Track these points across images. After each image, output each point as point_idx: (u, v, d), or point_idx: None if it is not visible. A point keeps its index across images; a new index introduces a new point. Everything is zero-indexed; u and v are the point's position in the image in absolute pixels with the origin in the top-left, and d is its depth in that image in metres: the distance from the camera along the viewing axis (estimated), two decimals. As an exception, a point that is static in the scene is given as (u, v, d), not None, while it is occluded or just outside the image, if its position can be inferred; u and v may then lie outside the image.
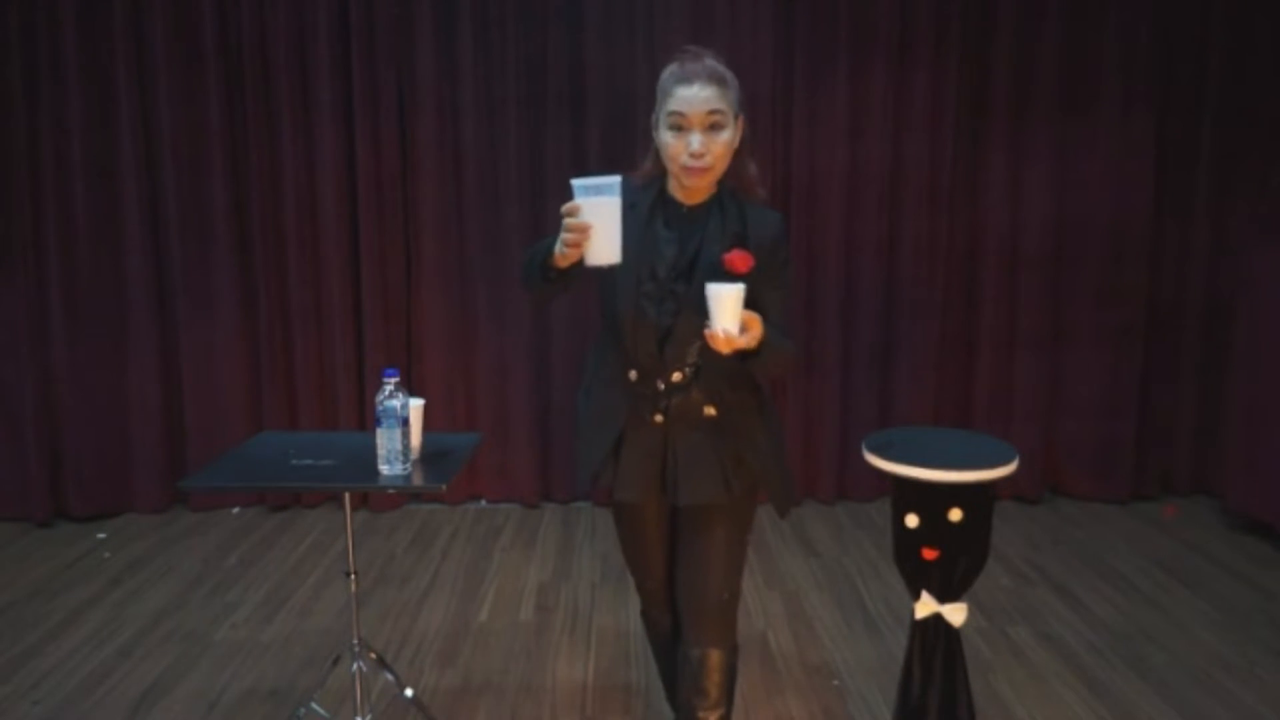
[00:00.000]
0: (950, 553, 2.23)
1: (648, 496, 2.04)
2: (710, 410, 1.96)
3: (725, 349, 1.73)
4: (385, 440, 2.19)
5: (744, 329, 1.73)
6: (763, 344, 1.79)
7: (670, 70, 1.90)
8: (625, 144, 4.18)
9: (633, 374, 1.96)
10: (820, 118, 4.24)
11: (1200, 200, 4.38)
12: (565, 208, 1.73)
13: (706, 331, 1.73)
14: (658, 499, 2.05)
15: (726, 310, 1.73)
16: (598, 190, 1.74)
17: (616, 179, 1.74)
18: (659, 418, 1.96)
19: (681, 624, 2.10)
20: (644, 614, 2.34)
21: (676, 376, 1.93)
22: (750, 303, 1.77)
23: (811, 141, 4.26)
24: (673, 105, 1.85)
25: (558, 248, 1.77)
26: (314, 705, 2.53)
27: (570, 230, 1.72)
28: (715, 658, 2.04)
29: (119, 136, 4.10)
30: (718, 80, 1.85)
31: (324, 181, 4.19)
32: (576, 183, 1.74)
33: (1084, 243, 4.36)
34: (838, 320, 4.36)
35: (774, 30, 4.17)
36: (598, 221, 1.73)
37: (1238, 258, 4.29)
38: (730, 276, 1.83)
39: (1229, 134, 4.32)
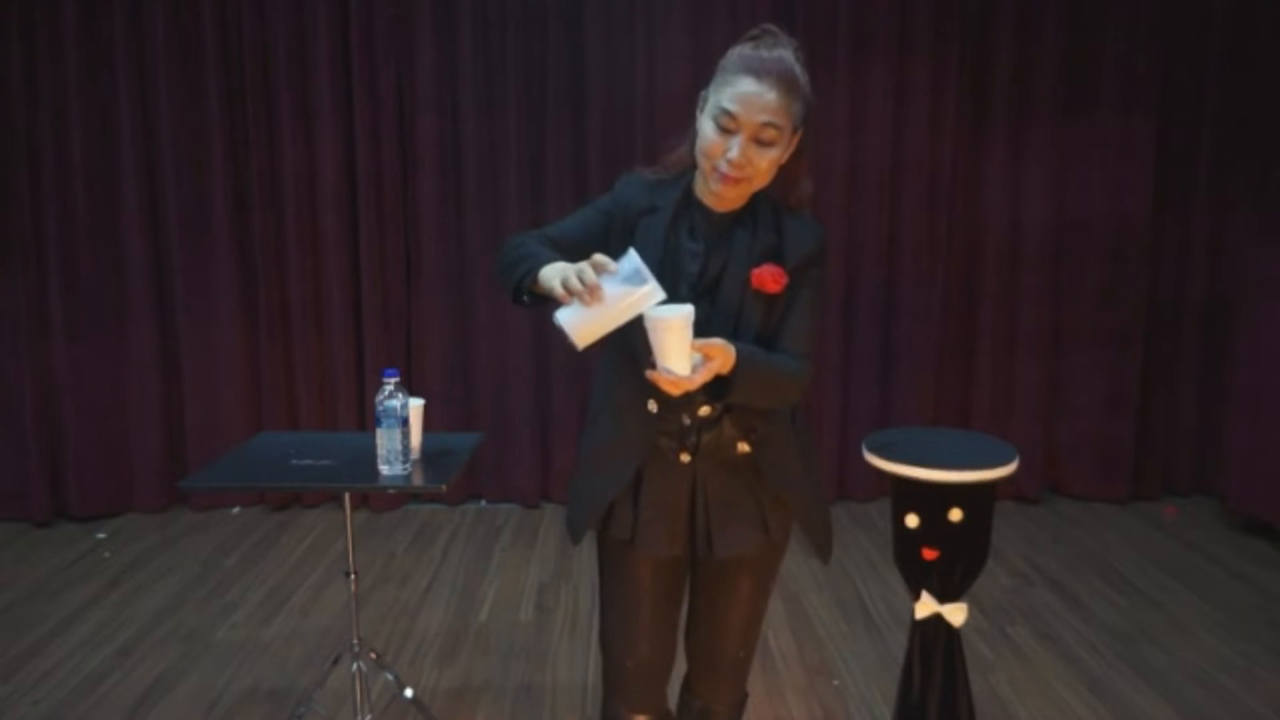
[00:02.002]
0: (950, 553, 2.23)
1: (674, 550, 1.73)
2: (744, 446, 1.69)
3: (674, 391, 1.44)
4: (385, 440, 2.19)
5: (704, 361, 1.44)
6: (735, 375, 1.49)
7: (741, 52, 1.58)
8: (625, 144, 4.19)
9: (652, 404, 1.65)
10: (820, 118, 4.23)
11: (1200, 200, 4.38)
12: (597, 259, 1.40)
13: (649, 372, 1.44)
14: (684, 551, 1.75)
15: (671, 345, 1.39)
16: (638, 280, 1.38)
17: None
18: (686, 457, 1.68)
19: (688, 667, 1.90)
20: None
21: (704, 410, 1.64)
22: (771, 325, 1.56)
23: (811, 141, 4.24)
24: (727, 100, 1.53)
25: (547, 274, 1.47)
26: (314, 705, 2.53)
27: (580, 278, 1.38)
28: (719, 715, 1.89)
29: (119, 136, 4.09)
30: (787, 86, 1.54)
31: (324, 181, 4.19)
32: (635, 256, 1.40)
33: (1084, 243, 4.36)
34: (838, 320, 4.35)
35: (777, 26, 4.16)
36: (611, 304, 1.38)
37: (1238, 258, 4.29)
38: (759, 295, 1.60)
39: (1229, 134, 4.32)
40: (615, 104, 4.20)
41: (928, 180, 4.30)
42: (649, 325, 1.40)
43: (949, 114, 4.26)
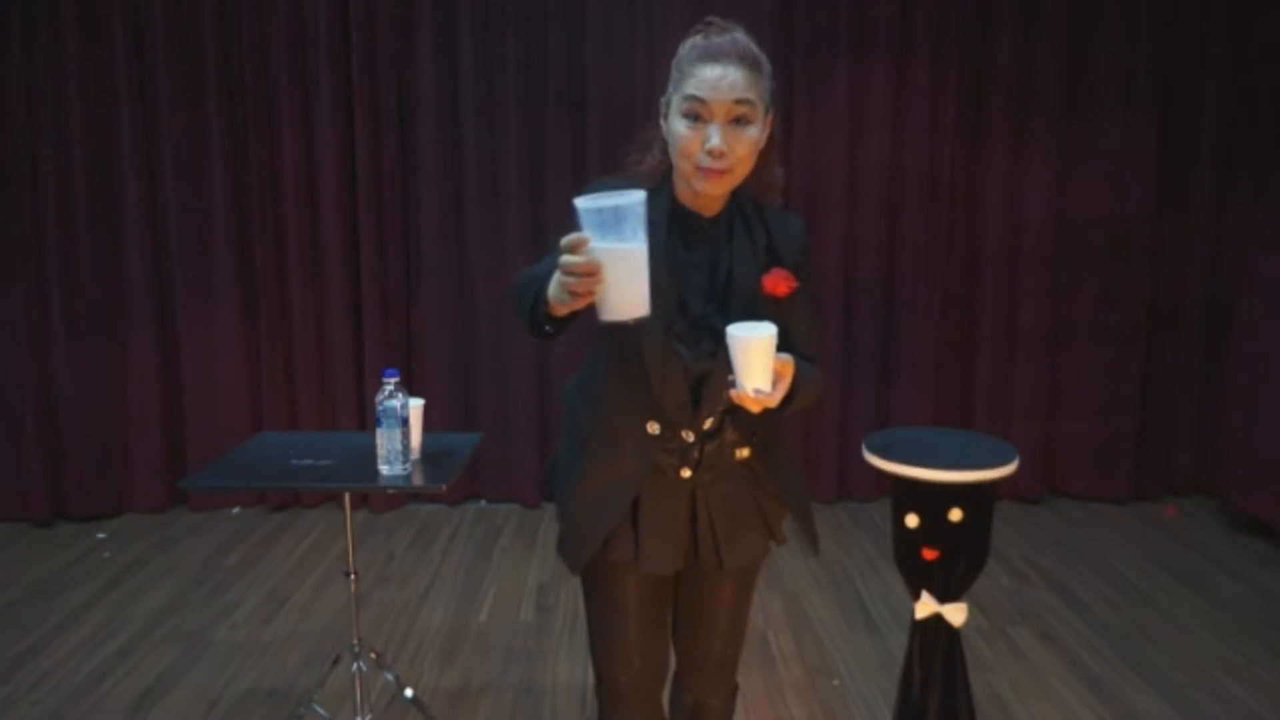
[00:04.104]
0: (950, 553, 2.23)
1: (677, 565, 1.71)
2: (744, 452, 1.67)
3: (756, 409, 1.42)
4: (385, 440, 2.19)
5: (776, 379, 1.41)
6: (794, 389, 1.48)
7: (692, 44, 1.53)
8: (625, 144, 4.17)
9: (652, 426, 1.61)
10: (820, 118, 4.24)
11: (1200, 200, 4.38)
12: (567, 241, 1.26)
13: (733, 392, 1.40)
14: (687, 565, 1.73)
15: (757, 363, 1.36)
16: (617, 219, 1.22)
17: (639, 196, 1.25)
18: (686, 472, 1.64)
19: (676, 664, 1.89)
20: None
21: (708, 423, 1.62)
22: (782, 329, 1.48)
23: (811, 141, 4.25)
24: (691, 87, 1.48)
25: (554, 291, 1.35)
26: (314, 705, 2.53)
27: (574, 273, 1.26)
28: (712, 709, 1.90)
29: (119, 137, 4.09)
30: (750, 63, 1.49)
31: (324, 181, 4.18)
32: (584, 204, 1.23)
33: (1084, 243, 4.36)
34: (838, 320, 4.35)
35: (773, 30, 4.17)
36: (615, 264, 1.23)
37: (1238, 258, 4.29)
38: (770, 302, 1.54)
39: (1229, 134, 4.32)
40: (615, 104, 4.20)
41: (928, 180, 4.30)
42: (735, 345, 1.36)
43: (949, 114, 4.26)
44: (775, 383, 1.41)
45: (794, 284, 1.56)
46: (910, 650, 2.35)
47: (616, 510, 1.66)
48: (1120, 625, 3.29)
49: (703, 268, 1.59)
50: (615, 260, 1.24)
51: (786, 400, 1.48)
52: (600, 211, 1.22)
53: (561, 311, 1.37)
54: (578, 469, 1.71)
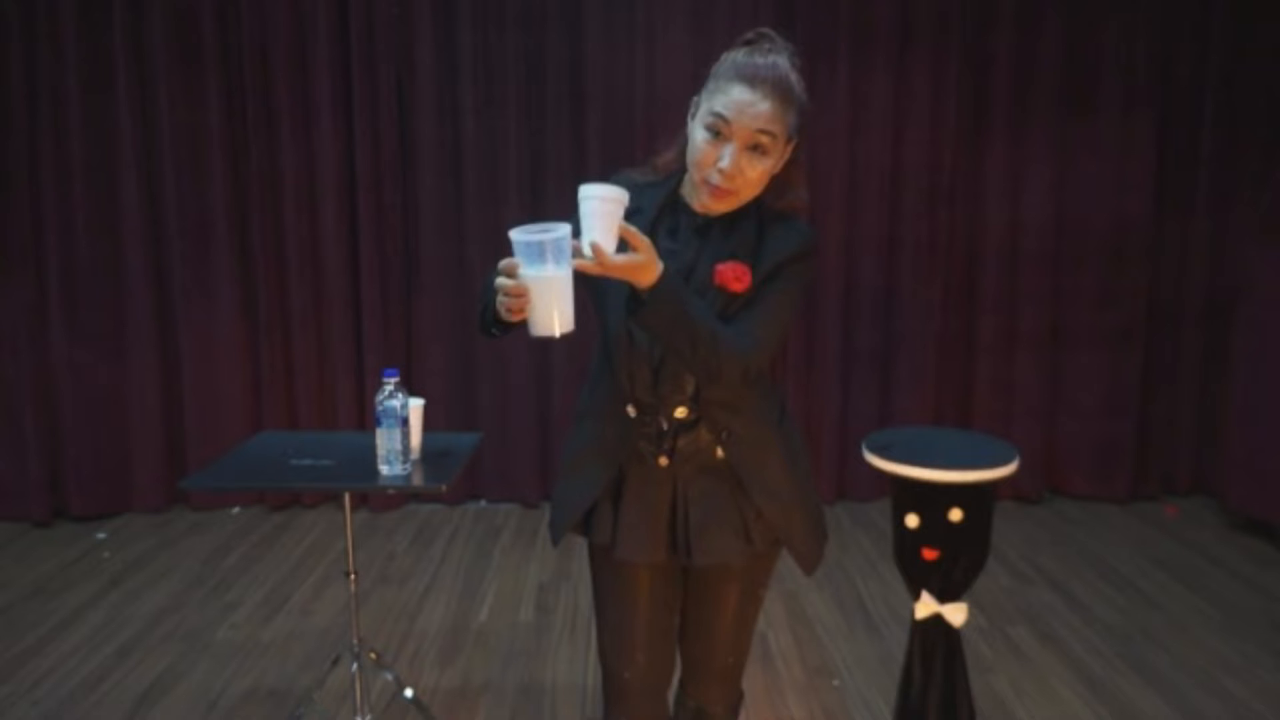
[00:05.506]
0: (950, 553, 2.23)
1: (655, 556, 1.70)
2: (720, 452, 1.67)
3: (595, 270, 1.39)
4: (385, 440, 2.19)
5: (629, 251, 1.39)
6: (660, 286, 1.42)
7: (735, 57, 1.56)
8: (625, 144, 4.18)
9: (630, 409, 1.66)
10: (820, 117, 4.24)
11: (1200, 200, 4.39)
12: (502, 265, 1.40)
13: (576, 263, 1.39)
14: (666, 557, 1.72)
15: (597, 221, 1.39)
16: (540, 251, 1.38)
17: (564, 230, 1.39)
18: (664, 461, 1.66)
19: (681, 669, 1.89)
20: None
21: (680, 412, 1.63)
22: (729, 318, 1.52)
23: (811, 141, 4.24)
24: (719, 104, 1.51)
25: (499, 302, 1.47)
26: (314, 705, 2.53)
27: (507, 294, 1.40)
28: (715, 716, 1.88)
29: (119, 136, 4.09)
30: (783, 94, 1.51)
31: (324, 181, 4.18)
32: (516, 236, 1.39)
33: (1084, 243, 4.36)
34: (838, 320, 4.36)
35: (773, 30, 4.16)
36: (538, 289, 1.39)
37: (1238, 258, 4.29)
38: (721, 292, 1.57)
39: (1229, 134, 4.32)
40: (615, 104, 4.20)
41: (928, 180, 4.30)
42: (581, 200, 1.40)
43: (949, 113, 4.26)
44: (629, 259, 1.38)
45: (747, 282, 1.55)
46: (910, 650, 2.35)
47: (594, 487, 1.70)
48: (1120, 625, 3.29)
49: (678, 258, 1.59)
50: (538, 286, 1.40)
51: (648, 297, 1.42)
52: (528, 244, 1.39)
53: (506, 319, 1.47)
54: (568, 449, 1.79)
